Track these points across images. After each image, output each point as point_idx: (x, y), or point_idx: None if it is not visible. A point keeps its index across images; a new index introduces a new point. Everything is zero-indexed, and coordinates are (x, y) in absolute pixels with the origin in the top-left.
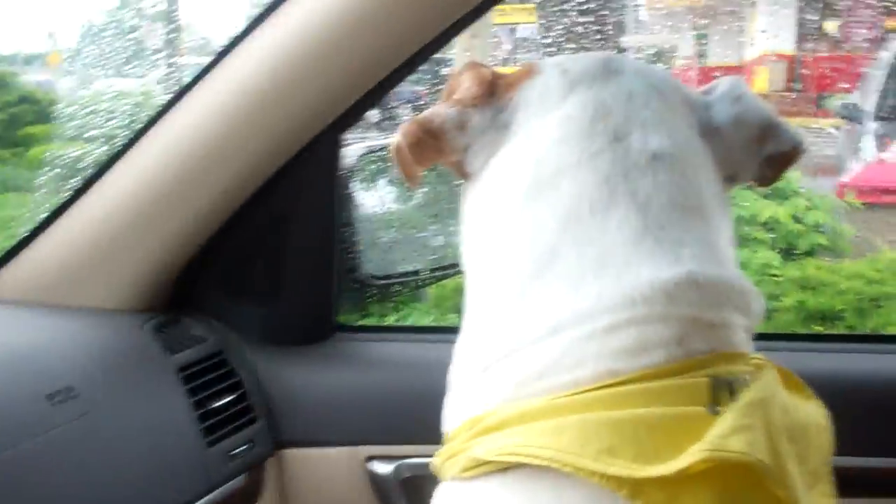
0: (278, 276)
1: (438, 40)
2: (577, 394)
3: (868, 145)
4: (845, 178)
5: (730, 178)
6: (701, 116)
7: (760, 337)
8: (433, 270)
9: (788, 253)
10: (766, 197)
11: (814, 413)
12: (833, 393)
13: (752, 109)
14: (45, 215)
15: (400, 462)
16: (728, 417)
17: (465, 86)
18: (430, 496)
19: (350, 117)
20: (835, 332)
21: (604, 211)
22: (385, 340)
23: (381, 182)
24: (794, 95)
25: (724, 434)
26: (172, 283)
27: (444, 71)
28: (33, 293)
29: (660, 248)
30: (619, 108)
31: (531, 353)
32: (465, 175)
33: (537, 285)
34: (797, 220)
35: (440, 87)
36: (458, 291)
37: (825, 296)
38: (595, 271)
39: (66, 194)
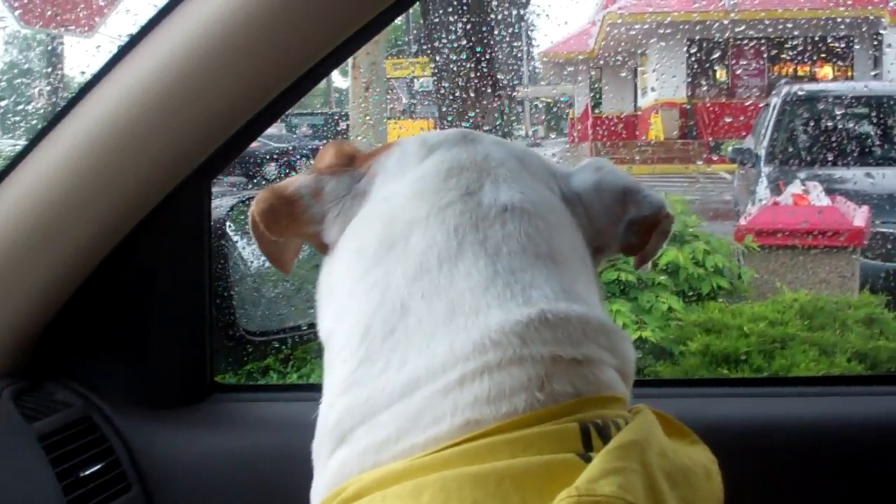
0: (147, 335)
1: (306, 80)
2: (437, 451)
3: (762, 189)
4: (742, 222)
5: (598, 250)
6: (563, 184)
7: (668, 383)
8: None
9: (690, 297)
10: None
11: (699, 457)
12: (745, 437)
13: (611, 176)
14: None
15: None
16: (598, 461)
17: (326, 158)
18: None
19: (218, 162)
20: (740, 375)
21: (452, 261)
22: (265, 400)
23: None
24: (688, 142)
25: (593, 478)
26: (33, 345)
27: (343, 125)
28: None
29: (509, 291)
30: (474, 166)
31: (387, 417)
32: (323, 248)
33: (389, 345)
34: (697, 263)
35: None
36: None
37: (730, 339)
38: (445, 323)
39: None
